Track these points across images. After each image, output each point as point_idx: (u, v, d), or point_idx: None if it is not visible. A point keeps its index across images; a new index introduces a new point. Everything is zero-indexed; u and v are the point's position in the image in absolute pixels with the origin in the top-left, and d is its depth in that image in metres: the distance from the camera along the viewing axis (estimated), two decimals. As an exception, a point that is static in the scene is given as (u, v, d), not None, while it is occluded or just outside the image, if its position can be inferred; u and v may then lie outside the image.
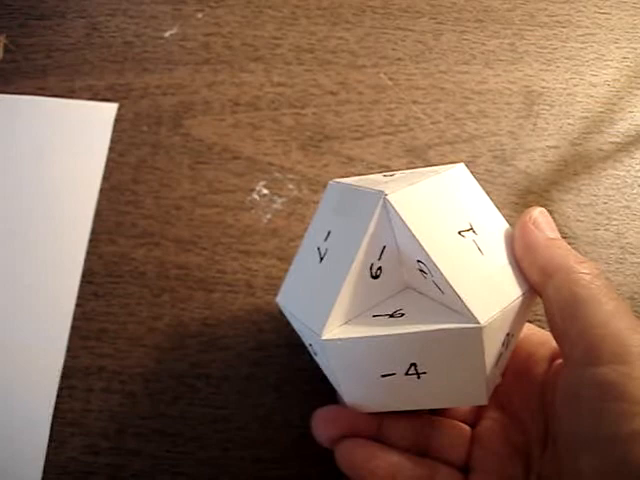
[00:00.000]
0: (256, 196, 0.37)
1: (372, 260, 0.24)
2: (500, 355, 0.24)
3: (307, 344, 0.27)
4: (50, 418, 0.31)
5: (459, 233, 0.24)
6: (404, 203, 0.23)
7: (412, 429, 0.28)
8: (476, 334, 0.22)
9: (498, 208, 0.26)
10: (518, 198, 0.37)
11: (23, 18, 0.41)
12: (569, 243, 0.34)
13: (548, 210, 0.26)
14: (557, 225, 0.26)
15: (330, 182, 0.28)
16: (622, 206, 0.37)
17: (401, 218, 0.23)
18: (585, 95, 0.40)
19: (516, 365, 0.27)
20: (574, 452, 0.22)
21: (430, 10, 0.42)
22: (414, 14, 0.42)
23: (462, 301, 0.22)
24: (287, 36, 0.41)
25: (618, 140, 0.38)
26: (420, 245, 0.23)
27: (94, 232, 0.36)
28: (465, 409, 0.29)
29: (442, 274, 0.22)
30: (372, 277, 0.24)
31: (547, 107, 0.39)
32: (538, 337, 0.28)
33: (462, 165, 0.26)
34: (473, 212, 0.25)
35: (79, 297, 0.34)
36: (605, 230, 0.36)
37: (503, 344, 0.24)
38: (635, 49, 0.41)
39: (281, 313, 0.28)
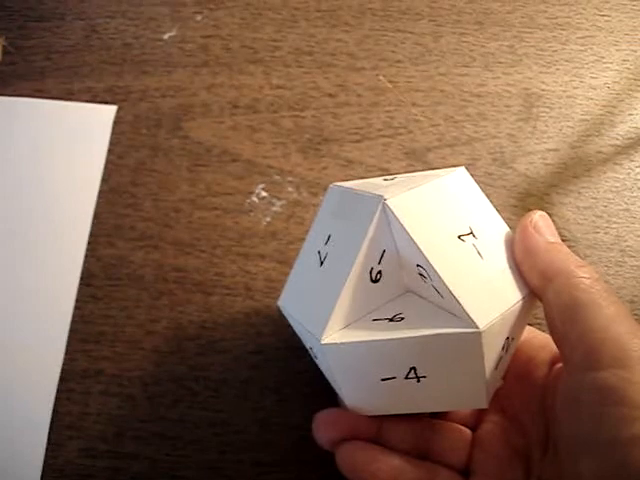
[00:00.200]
0: (255, 199, 0.37)
1: (372, 264, 0.24)
2: (500, 359, 0.24)
3: (308, 347, 0.27)
4: (49, 421, 0.31)
5: (459, 237, 0.24)
6: (403, 207, 0.23)
7: (412, 432, 0.27)
8: (475, 339, 0.22)
9: (498, 211, 0.26)
10: (518, 201, 0.37)
11: (22, 20, 0.41)
12: (569, 246, 0.34)
13: (548, 213, 0.26)
14: (557, 228, 0.26)
15: (330, 186, 0.28)
16: (622, 209, 0.37)
17: (400, 223, 0.23)
18: (585, 98, 0.40)
19: (517, 368, 0.27)
20: (574, 456, 0.22)
21: (429, 12, 0.42)
22: (413, 16, 0.42)
23: (461, 306, 0.22)
24: (286, 38, 0.41)
25: (618, 143, 0.38)
26: (419, 249, 0.22)
27: (93, 235, 0.36)
28: (465, 412, 0.29)
29: (441, 279, 0.22)
30: (372, 281, 0.24)
31: (547, 110, 0.39)
32: (539, 340, 0.28)
33: (463, 169, 0.26)
34: (473, 216, 0.25)
35: (77, 300, 0.34)
36: (605, 233, 0.36)
37: (503, 348, 0.24)
38: (635, 51, 0.41)
39: (281, 316, 0.28)
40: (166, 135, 0.38)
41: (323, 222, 0.27)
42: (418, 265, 0.23)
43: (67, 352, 0.33)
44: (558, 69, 0.41)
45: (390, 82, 0.40)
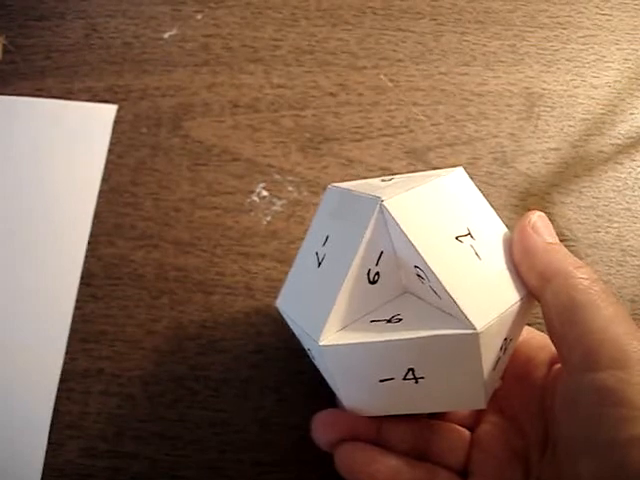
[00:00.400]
0: (255, 198, 0.37)
1: (369, 265, 0.24)
2: (498, 359, 0.24)
3: (306, 348, 0.27)
4: (49, 421, 0.31)
5: (456, 238, 0.23)
6: (400, 209, 0.23)
7: (411, 433, 0.27)
8: (473, 340, 0.22)
9: (498, 211, 0.26)
10: (518, 200, 0.37)
11: (22, 19, 0.41)
12: (570, 246, 0.34)
13: (549, 213, 0.26)
14: (558, 227, 0.26)
15: (329, 186, 0.28)
16: (623, 208, 0.37)
17: (397, 224, 0.23)
18: (586, 97, 0.40)
19: (515, 369, 0.27)
20: (573, 457, 0.22)
21: (431, 11, 0.42)
22: (414, 15, 0.42)
23: (459, 307, 0.22)
24: (287, 37, 0.41)
25: (619, 142, 0.38)
26: (416, 251, 0.22)
27: (93, 234, 0.36)
28: (464, 413, 0.29)
29: (438, 280, 0.22)
30: (370, 282, 0.24)
31: (548, 109, 0.39)
32: (537, 341, 0.28)
33: (461, 169, 0.26)
34: (471, 217, 0.25)
35: (78, 299, 0.34)
36: (606, 232, 0.36)
37: (501, 349, 0.24)
38: (636, 51, 0.41)
39: (281, 316, 0.28)
40: (166, 134, 0.38)
41: (321, 223, 0.27)
42: (416, 266, 0.23)
43: (67, 352, 0.33)
44: (559, 68, 0.41)
45: (391, 81, 0.40)
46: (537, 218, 0.25)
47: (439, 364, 0.23)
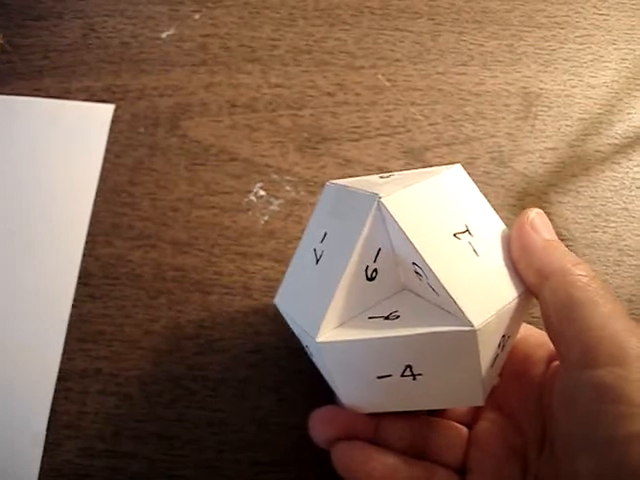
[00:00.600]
0: (253, 198, 0.36)
1: (367, 262, 0.24)
2: (496, 356, 0.24)
3: (304, 345, 0.27)
4: (46, 420, 0.31)
5: (454, 235, 0.23)
6: (398, 205, 0.23)
7: (409, 430, 0.27)
8: (470, 337, 0.22)
9: (496, 210, 0.26)
10: (516, 200, 0.37)
11: (20, 19, 0.41)
12: (567, 245, 0.34)
13: (546, 212, 0.26)
14: (555, 227, 0.26)
15: (327, 183, 0.28)
16: (620, 208, 0.37)
17: (395, 221, 0.23)
18: (583, 97, 0.40)
19: (513, 366, 0.27)
20: (571, 454, 0.22)
21: (428, 11, 0.42)
22: (412, 15, 0.42)
23: (456, 304, 0.22)
24: (285, 37, 0.41)
25: (616, 142, 0.38)
26: (414, 248, 0.22)
27: (90, 234, 0.35)
28: (462, 410, 0.29)
29: (436, 277, 0.22)
30: (367, 279, 0.24)
31: (545, 109, 0.39)
32: (536, 338, 0.28)
33: (459, 166, 0.26)
34: (469, 214, 0.25)
35: (75, 299, 0.34)
36: (603, 232, 0.36)
37: (499, 346, 0.24)
38: (633, 50, 0.41)
39: (279, 315, 0.27)
40: (164, 134, 0.38)
41: (319, 220, 0.27)
42: (413, 263, 0.23)
43: (65, 352, 0.33)
44: (557, 68, 0.41)
45: (388, 81, 0.40)
46: (535, 215, 0.25)
47: (437, 361, 0.23)
